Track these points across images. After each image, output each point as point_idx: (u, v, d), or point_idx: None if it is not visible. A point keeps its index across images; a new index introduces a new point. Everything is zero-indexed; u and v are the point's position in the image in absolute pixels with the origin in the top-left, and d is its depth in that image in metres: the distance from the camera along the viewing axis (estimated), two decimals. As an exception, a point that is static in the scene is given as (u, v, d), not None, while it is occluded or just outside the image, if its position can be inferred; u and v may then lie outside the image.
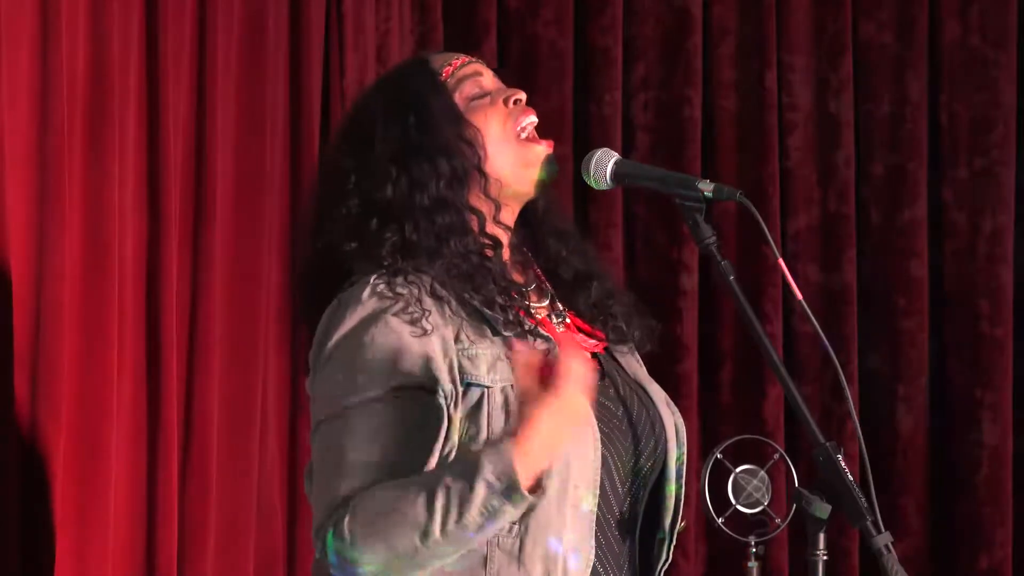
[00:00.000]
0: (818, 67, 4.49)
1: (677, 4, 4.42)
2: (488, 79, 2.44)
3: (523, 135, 2.40)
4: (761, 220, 2.31)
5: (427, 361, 2.25)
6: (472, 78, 2.43)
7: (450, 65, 2.43)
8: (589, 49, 4.39)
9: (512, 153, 2.39)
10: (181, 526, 3.28)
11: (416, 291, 2.28)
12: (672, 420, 2.44)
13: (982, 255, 4.47)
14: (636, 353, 2.51)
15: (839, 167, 4.47)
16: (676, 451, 2.43)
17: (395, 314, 2.25)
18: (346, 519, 2.17)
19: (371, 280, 2.28)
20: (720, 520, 3.71)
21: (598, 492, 2.30)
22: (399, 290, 2.27)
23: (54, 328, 2.95)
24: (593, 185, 2.44)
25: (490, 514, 2.15)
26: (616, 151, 2.43)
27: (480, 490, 2.13)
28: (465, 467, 2.16)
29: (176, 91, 3.29)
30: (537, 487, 2.16)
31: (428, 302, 2.28)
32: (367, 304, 2.26)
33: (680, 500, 2.43)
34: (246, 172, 3.52)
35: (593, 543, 2.30)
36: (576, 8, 4.38)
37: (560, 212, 2.53)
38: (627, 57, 4.41)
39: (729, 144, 4.44)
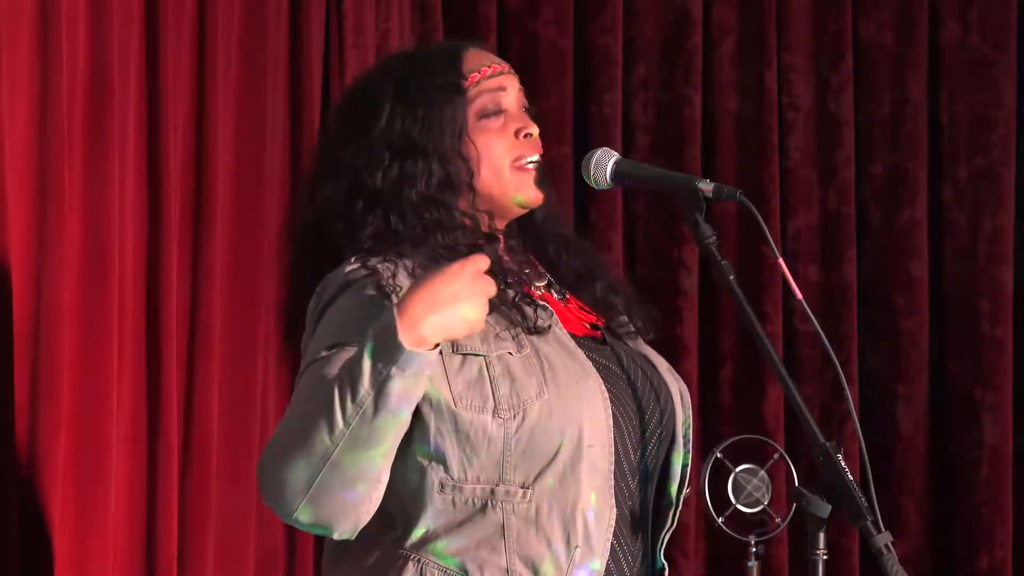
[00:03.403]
0: (818, 67, 4.49)
1: (677, 4, 4.42)
2: (510, 97, 2.42)
3: (517, 164, 2.40)
4: (761, 220, 2.31)
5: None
6: (493, 92, 2.41)
7: (478, 72, 2.41)
8: (589, 49, 4.39)
9: (504, 180, 2.39)
10: (181, 526, 3.28)
11: (392, 268, 2.28)
12: (677, 387, 2.46)
13: (982, 255, 4.47)
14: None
15: (839, 167, 4.48)
16: (682, 415, 2.44)
17: (368, 287, 2.26)
18: (266, 450, 2.18)
19: (351, 260, 2.29)
20: (720, 520, 3.71)
21: (613, 452, 2.29)
22: (378, 268, 2.28)
23: (54, 328, 2.95)
24: (593, 185, 2.44)
25: (380, 384, 2.10)
26: (616, 151, 2.43)
27: (366, 358, 2.11)
28: (353, 347, 2.15)
29: (176, 91, 3.29)
30: (423, 343, 2.11)
31: (404, 280, 2.27)
32: (342, 280, 2.28)
33: (687, 467, 2.43)
34: (246, 172, 3.52)
35: (613, 503, 2.29)
36: (576, 8, 4.39)
37: (558, 219, 2.53)
38: (627, 57, 4.42)
39: (729, 144, 4.45)
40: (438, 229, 2.34)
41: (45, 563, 2.95)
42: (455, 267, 2.14)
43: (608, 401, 2.30)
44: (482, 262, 2.16)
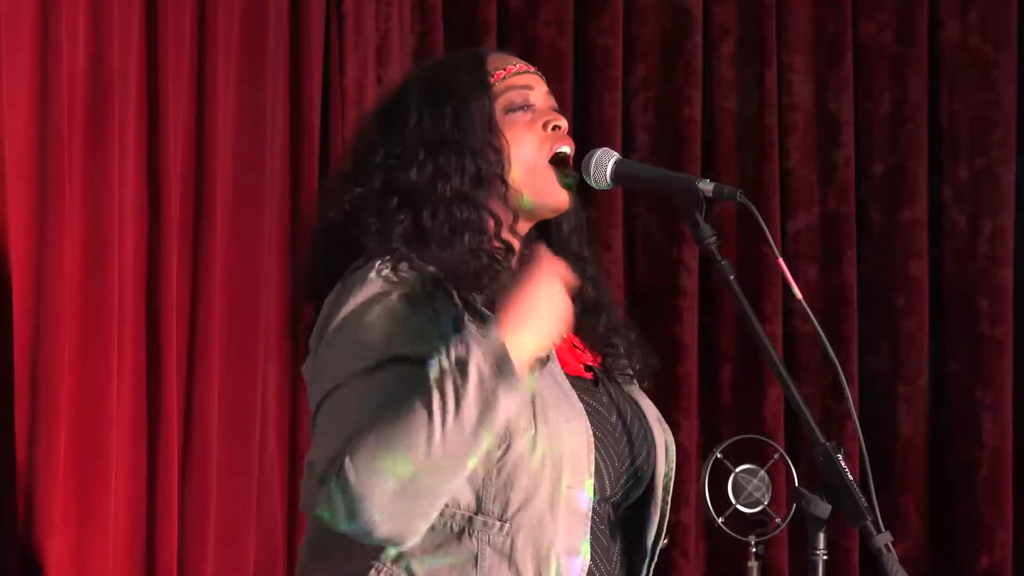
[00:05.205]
0: (818, 67, 4.49)
1: (677, 4, 4.42)
2: (538, 95, 2.42)
3: (553, 158, 2.39)
4: (761, 220, 2.31)
5: (430, 340, 2.23)
6: (520, 89, 2.41)
7: (504, 70, 2.41)
8: (589, 49, 4.39)
9: (536, 176, 2.38)
10: (181, 526, 3.28)
11: (420, 277, 2.28)
12: (663, 437, 2.42)
13: (982, 255, 4.47)
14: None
15: (839, 167, 4.48)
16: (664, 467, 2.41)
17: (400, 296, 2.25)
18: (346, 461, 2.11)
19: (376, 264, 2.27)
20: (720, 520, 3.72)
21: (592, 494, 2.29)
22: (404, 275, 2.27)
23: (54, 328, 2.95)
24: (593, 185, 2.44)
25: (486, 402, 2.10)
26: (616, 151, 2.43)
27: (472, 375, 2.11)
28: (457, 360, 2.13)
29: (176, 91, 3.29)
30: (531, 367, 2.15)
31: (430, 289, 2.27)
32: (372, 285, 2.25)
33: (664, 517, 2.41)
34: (246, 172, 3.52)
35: (588, 546, 2.28)
36: (576, 8, 4.39)
37: (583, 238, 2.51)
38: (627, 57, 4.42)
39: (729, 144, 4.45)
40: (466, 230, 2.33)
41: (45, 563, 2.95)
42: (539, 277, 2.18)
43: (592, 446, 2.28)
44: (556, 265, 2.20)
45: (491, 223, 2.36)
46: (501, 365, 2.12)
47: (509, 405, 2.13)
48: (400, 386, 2.18)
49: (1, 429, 2.89)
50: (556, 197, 2.40)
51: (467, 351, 2.12)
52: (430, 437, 2.10)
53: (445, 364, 2.13)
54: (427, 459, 2.10)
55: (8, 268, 2.89)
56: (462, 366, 2.11)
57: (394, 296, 2.25)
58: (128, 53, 3.18)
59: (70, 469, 3.00)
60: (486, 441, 2.14)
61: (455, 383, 2.11)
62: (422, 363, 2.20)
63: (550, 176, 2.39)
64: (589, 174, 2.42)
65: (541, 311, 2.18)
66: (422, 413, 2.10)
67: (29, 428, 2.92)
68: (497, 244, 2.37)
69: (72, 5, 3.03)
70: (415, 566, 2.24)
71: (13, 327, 2.89)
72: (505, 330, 2.14)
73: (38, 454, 2.93)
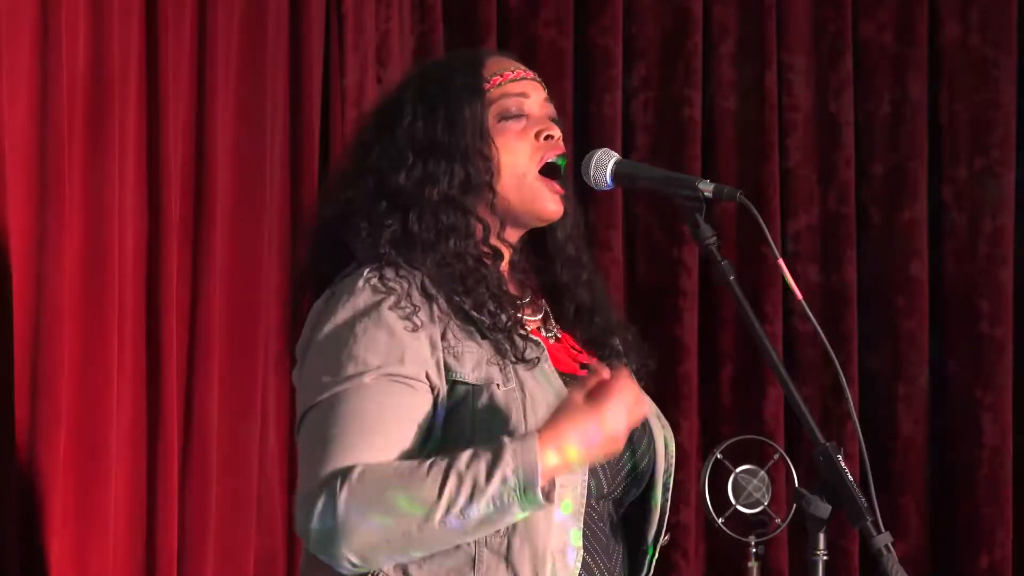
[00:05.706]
0: (818, 67, 4.49)
1: (677, 4, 4.42)
2: (534, 103, 2.42)
3: (543, 172, 2.39)
4: (761, 220, 2.31)
5: (417, 355, 2.24)
6: (515, 97, 2.40)
7: (500, 76, 2.41)
8: (589, 49, 4.39)
9: (525, 185, 2.38)
10: (181, 526, 3.28)
11: (407, 286, 2.28)
12: (662, 434, 2.43)
13: (982, 255, 4.47)
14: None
15: (839, 167, 4.48)
16: (663, 464, 2.41)
17: (389, 308, 2.25)
18: (343, 491, 2.14)
19: (364, 272, 2.28)
20: (720, 520, 3.72)
21: (585, 495, 2.29)
22: (391, 284, 2.27)
23: (54, 328, 2.95)
24: (593, 186, 2.44)
25: (497, 509, 2.13)
26: (616, 151, 2.43)
27: (496, 481, 2.13)
28: (486, 455, 2.15)
29: (176, 91, 3.29)
30: (549, 494, 2.16)
31: (417, 298, 2.28)
32: (360, 296, 2.26)
33: (665, 514, 2.42)
34: (246, 172, 3.52)
35: (581, 545, 2.29)
36: (576, 8, 4.39)
37: (581, 243, 2.51)
38: (627, 57, 4.42)
39: (729, 144, 4.45)
40: (451, 234, 2.34)
41: (45, 563, 2.95)
42: (615, 402, 2.18)
43: None
44: (633, 387, 2.20)
45: (478, 229, 2.37)
46: (527, 484, 2.14)
47: (516, 517, 2.17)
48: (388, 406, 2.21)
49: (1, 429, 2.89)
50: (545, 207, 2.40)
51: (500, 453, 2.14)
52: (429, 517, 2.14)
53: (476, 457, 2.15)
54: (418, 533, 2.14)
55: (8, 268, 2.89)
56: (491, 467, 2.14)
57: (383, 307, 2.25)
58: (128, 53, 3.18)
59: (70, 469, 3.00)
60: (480, 536, 2.19)
61: (475, 479, 2.14)
62: (410, 380, 2.22)
63: (539, 186, 2.39)
64: (589, 175, 2.42)
65: (588, 445, 2.18)
66: (432, 491, 2.14)
67: (29, 428, 2.92)
68: (485, 249, 2.37)
69: (72, 5, 3.03)
70: (413, 570, 2.24)
71: (13, 327, 2.89)
72: (546, 444, 2.16)
73: (38, 454, 2.93)
